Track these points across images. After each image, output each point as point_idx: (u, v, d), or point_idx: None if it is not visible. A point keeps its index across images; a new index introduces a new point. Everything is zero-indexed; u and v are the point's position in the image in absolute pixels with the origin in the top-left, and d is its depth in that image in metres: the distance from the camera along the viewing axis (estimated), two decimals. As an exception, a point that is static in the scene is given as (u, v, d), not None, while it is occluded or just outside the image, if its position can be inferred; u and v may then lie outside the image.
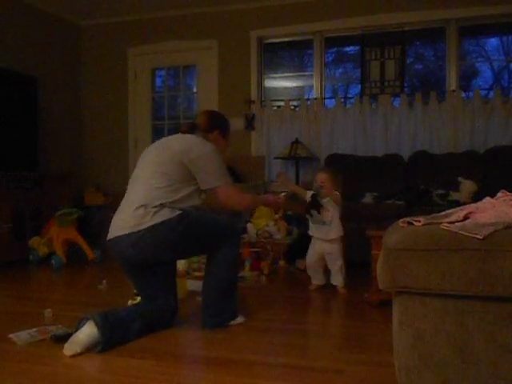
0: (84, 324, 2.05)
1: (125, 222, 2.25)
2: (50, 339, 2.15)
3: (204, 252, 2.46)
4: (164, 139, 2.48)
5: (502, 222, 1.31)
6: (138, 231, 2.19)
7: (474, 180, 3.98)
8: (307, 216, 3.18)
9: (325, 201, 3.10)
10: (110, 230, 2.33)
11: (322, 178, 3.12)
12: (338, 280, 3.15)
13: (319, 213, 3.07)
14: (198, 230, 2.32)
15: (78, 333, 2.03)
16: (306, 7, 5.01)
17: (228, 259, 2.37)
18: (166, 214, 2.21)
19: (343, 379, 1.77)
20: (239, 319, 2.45)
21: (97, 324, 2.02)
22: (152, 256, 2.27)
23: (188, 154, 2.29)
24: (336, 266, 3.13)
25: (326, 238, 3.12)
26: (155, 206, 2.21)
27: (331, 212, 3.10)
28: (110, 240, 2.31)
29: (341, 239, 3.17)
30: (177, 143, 2.37)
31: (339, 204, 3.14)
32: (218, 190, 2.35)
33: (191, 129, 2.50)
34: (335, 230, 3.13)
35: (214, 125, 2.54)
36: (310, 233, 3.24)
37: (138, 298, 2.66)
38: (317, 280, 3.23)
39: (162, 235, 2.20)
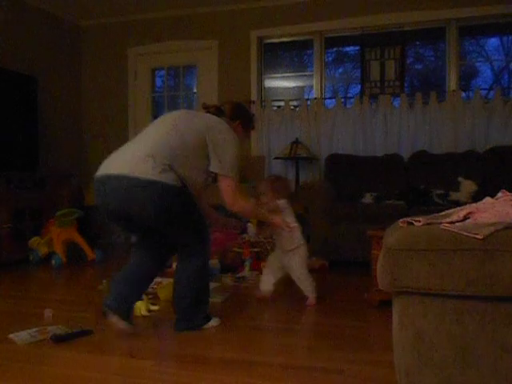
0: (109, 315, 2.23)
1: (128, 162, 2.12)
2: (49, 339, 2.16)
3: (174, 240, 2.33)
4: (190, 111, 2.42)
5: (502, 222, 1.31)
6: (139, 178, 2.07)
7: (473, 180, 3.98)
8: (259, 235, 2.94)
9: (272, 208, 2.80)
10: (104, 165, 2.19)
11: (261, 189, 2.87)
12: (306, 291, 2.87)
13: (264, 227, 2.84)
14: (188, 214, 2.22)
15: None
16: (306, 7, 5.02)
17: (197, 268, 2.31)
18: (172, 179, 2.11)
19: (343, 379, 1.77)
20: (213, 322, 2.41)
21: (114, 312, 2.21)
22: (135, 211, 2.11)
23: (212, 132, 2.26)
24: (299, 279, 2.87)
25: (281, 250, 2.88)
26: (165, 164, 2.11)
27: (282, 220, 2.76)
28: (103, 176, 2.15)
29: (302, 248, 2.85)
30: (204, 118, 2.33)
31: (280, 212, 2.78)
32: (223, 179, 2.30)
33: (218, 112, 2.47)
34: (288, 242, 2.82)
35: (238, 115, 2.52)
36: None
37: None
38: (264, 285, 2.95)
39: (158, 197, 2.08)
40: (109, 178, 2.12)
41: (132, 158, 2.13)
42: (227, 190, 2.31)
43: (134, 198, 2.08)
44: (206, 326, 2.37)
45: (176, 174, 2.14)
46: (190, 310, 2.34)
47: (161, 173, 2.09)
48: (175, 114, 2.37)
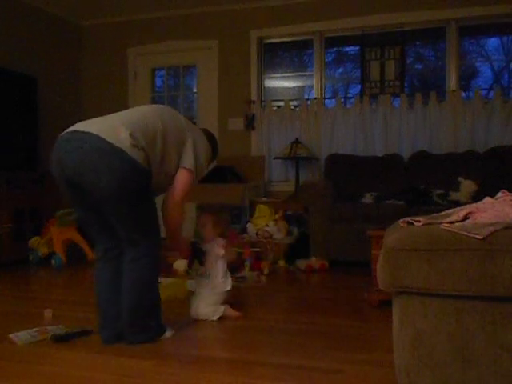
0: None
1: (100, 125, 1.98)
2: (49, 339, 2.15)
3: (122, 228, 2.05)
4: (175, 110, 2.35)
5: (502, 222, 1.31)
6: (106, 141, 1.89)
7: (473, 180, 3.98)
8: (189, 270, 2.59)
9: (207, 247, 2.53)
10: (74, 126, 2.02)
11: (203, 220, 2.57)
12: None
13: (202, 263, 2.52)
14: (145, 201, 2.03)
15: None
16: (306, 7, 5.01)
17: (149, 268, 2.09)
18: (141, 158, 1.95)
19: (343, 379, 1.77)
20: (168, 333, 2.20)
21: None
22: (89, 179, 1.91)
23: (195, 132, 2.26)
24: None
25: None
26: (139, 142, 1.96)
27: (210, 262, 2.49)
28: (68, 132, 1.99)
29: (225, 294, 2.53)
30: (188, 121, 2.31)
31: (222, 252, 2.48)
32: (186, 172, 2.16)
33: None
34: (217, 285, 2.49)
35: (211, 142, 2.44)
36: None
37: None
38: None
39: (120, 168, 1.90)
40: (74, 134, 1.96)
41: (106, 123, 1.99)
42: (184, 182, 2.16)
43: (93, 163, 1.89)
44: (162, 338, 2.17)
45: (147, 159, 1.99)
46: (146, 318, 2.11)
47: (132, 147, 1.93)
48: (160, 106, 2.31)
